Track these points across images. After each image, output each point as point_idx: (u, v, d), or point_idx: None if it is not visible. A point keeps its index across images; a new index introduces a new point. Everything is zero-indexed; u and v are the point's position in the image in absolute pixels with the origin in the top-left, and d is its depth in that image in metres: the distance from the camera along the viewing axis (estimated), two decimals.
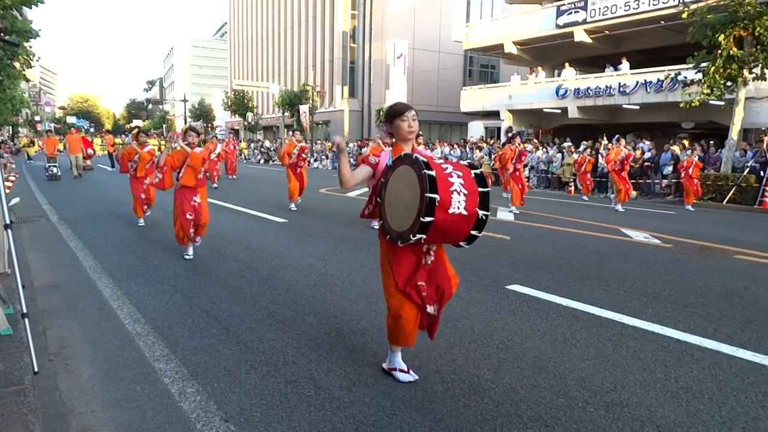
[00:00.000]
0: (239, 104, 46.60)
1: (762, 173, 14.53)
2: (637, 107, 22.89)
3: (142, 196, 9.15)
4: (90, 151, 21.99)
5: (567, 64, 25.67)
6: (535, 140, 24.32)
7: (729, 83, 15.82)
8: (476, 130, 30.00)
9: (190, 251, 6.43)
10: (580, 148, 18.82)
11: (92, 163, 23.85)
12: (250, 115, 45.86)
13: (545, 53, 28.24)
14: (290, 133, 11.76)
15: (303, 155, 11.23)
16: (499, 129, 28.38)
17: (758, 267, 6.52)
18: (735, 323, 4.30)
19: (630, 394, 3.03)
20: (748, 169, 14.93)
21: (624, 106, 23.17)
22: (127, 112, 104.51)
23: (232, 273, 5.70)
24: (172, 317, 4.25)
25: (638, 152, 17.54)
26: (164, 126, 61.05)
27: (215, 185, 15.70)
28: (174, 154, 6.41)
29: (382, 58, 37.76)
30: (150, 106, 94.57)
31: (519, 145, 11.48)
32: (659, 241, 8.21)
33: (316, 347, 3.65)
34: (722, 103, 17.26)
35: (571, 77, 24.91)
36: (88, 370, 3.31)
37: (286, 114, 39.07)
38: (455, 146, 25.05)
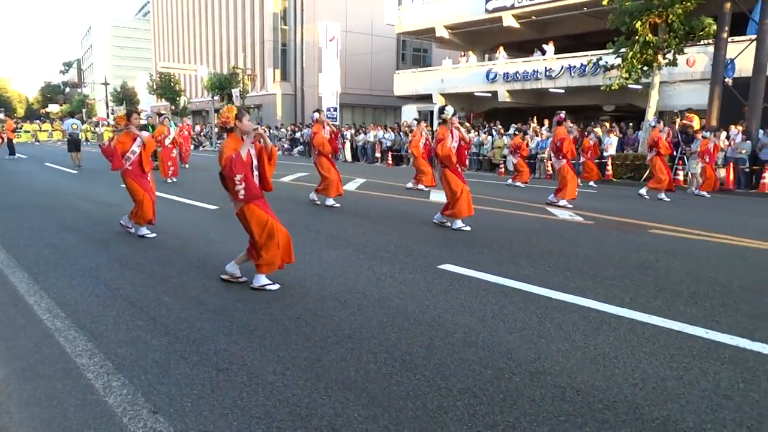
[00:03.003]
0: (165, 88, 44.63)
1: (675, 153, 15.46)
2: (563, 91, 23.78)
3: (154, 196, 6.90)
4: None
5: (501, 48, 26.23)
6: (467, 123, 24.79)
7: (645, 68, 16.71)
8: (409, 113, 30.19)
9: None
10: (510, 131, 19.39)
11: None
12: (183, 99, 43.98)
13: (476, 37, 28.74)
14: (316, 114, 9.79)
15: (338, 139, 9.98)
16: (431, 112, 28.70)
17: (670, 240, 6.98)
18: (648, 293, 4.60)
19: (553, 362, 3.19)
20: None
21: (550, 89, 24.02)
22: (42, 96, 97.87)
23: (161, 262, 5.52)
24: (95, 310, 4.08)
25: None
26: (84, 111, 57.66)
27: (172, 179, 13.28)
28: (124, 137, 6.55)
29: (314, 41, 37.17)
30: (67, 89, 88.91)
31: (571, 126, 10.39)
32: (582, 219, 8.62)
33: (248, 334, 3.62)
34: (639, 86, 18.22)
35: (501, 61, 25.51)
36: (2, 369, 3.13)
37: (216, 98, 37.85)
38: (389, 130, 25.15)
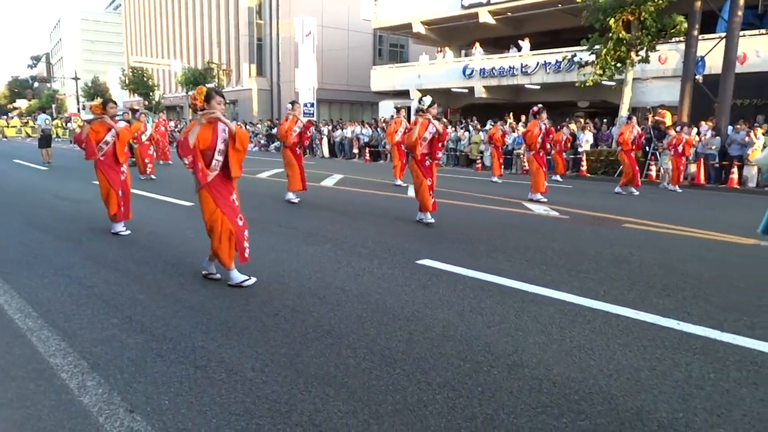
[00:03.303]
0: (138, 83, 43.88)
1: (647, 149, 15.77)
2: (538, 87, 24.01)
3: (120, 192, 6.61)
4: None
5: (477, 44, 26.35)
6: (445, 119, 24.89)
7: (618, 65, 16.98)
8: (387, 109, 30.17)
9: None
10: (487, 126, 19.53)
11: None
12: (158, 94, 43.25)
13: (452, 33, 28.82)
14: (289, 106, 9.67)
15: (308, 133, 9.52)
16: (409, 108, 28.75)
17: (643, 234, 7.12)
18: (622, 285, 4.69)
19: (530, 355, 3.24)
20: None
21: (526, 85, 24.23)
22: (9, 91, 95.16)
23: (135, 260, 5.43)
24: (68, 309, 4.00)
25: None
26: (54, 106, 56.29)
27: (150, 176, 12.84)
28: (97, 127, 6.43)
29: (290, 36, 36.88)
30: (36, 84, 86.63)
31: (544, 121, 10.25)
32: (557, 214, 8.74)
33: (226, 331, 3.59)
34: (613, 83, 18.50)
35: (477, 57, 25.64)
36: None
37: (191, 93, 37.32)
38: (366, 125, 25.12)
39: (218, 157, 4.41)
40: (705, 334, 3.59)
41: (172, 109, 48.72)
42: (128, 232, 6.61)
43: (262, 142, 30.34)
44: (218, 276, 4.71)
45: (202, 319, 3.79)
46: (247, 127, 32.53)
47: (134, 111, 16.68)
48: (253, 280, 4.57)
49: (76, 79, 53.81)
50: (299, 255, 5.66)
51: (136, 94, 46.18)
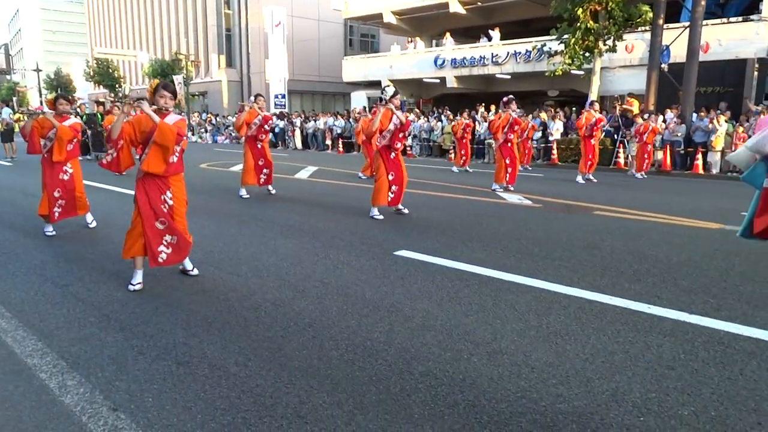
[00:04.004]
0: (104, 75, 42.79)
1: (615, 136, 16.10)
2: (509, 76, 24.22)
3: (56, 193, 6.34)
4: None
5: (448, 34, 26.42)
6: (417, 110, 24.96)
7: (587, 54, 17.24)
8: (359, 100, 30.11)
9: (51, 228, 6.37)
10: (458, 117, 19.63)
11: None
12: (126, 87, 42.21)
13: (423, 23, 28.82)
14: (252, 98, 9.51)
15: (266, 126, 9.27)
16: (381, 99, 28.71)
17: (613, 221, 7.30)
18: (595, 272, 4.82)
19: (508, 342, 3.32)
20: (603, 133, 16.45)
21: (497, 75, 24.42)
22: None
23: (109, 257, 5.35)
24: (43, 309, 3.93)
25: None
26: (14, 99, 54.51)
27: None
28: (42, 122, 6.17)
29: (259, 26, 36.38)
30: None
31: (514, 111, 10.24)
32: (530, 202, 8.89)
33: (207, 326, 3.58)
34: (582, 72, 18.79)
35: (448, 47, 25.72)
36: None
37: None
38: (339, 116, 25.02)
39: (147, 151, 4.29)
40: (674, 316, 3.72)
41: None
42: (53, 232, 6.36)
43: (234, 134, 29.93)
44: (196, 272, 4.69)
45: (181, 316, 3.77)
46: (217, 119, 32.11)
47: (98, 103, 16.28)
48: (139, 286, 4.31)
49: (38, 70, 52.13)
50: (277, 248, 5.65)
51: (101, 86, 45.00)
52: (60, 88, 50.02)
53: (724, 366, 3.00)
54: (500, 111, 10.30)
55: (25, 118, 6.49)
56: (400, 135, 7.31)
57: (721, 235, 6.43)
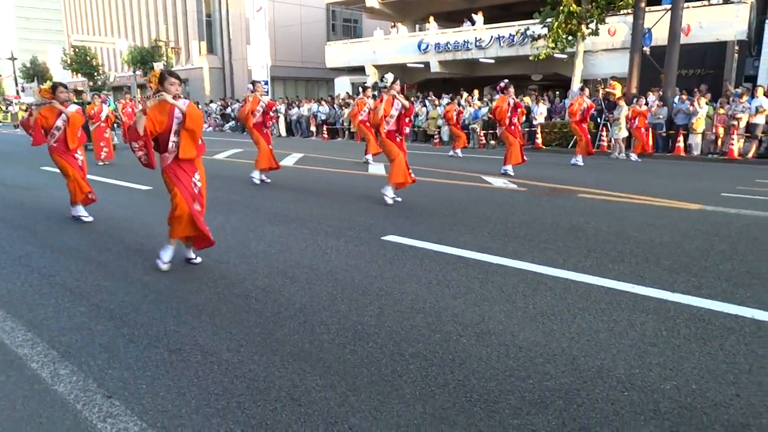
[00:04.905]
0: (81, 63, 41.90)
1: (599, 120, 16.23)
2: (493, 61, 24.22)
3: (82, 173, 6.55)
4: None
5: (432, 18, 26.28)
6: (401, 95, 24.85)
7: (570, 38, 17.30)
8: (343, 86, 29.94)
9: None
10: (444, 101, 19.64)
11: None
12: (113, 74, 41.37)
13: (406, 7, 28.63)
14: (249, 87, 9.63)
15: (271, 113, 9.45)
16: (365, 84, 28.59)
17: (597, 204, 7.41)
18: (579, 253, 4.90)
19: (496, 323, 3.39)
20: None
21: (481, 59, 24.40)
22: None
23: (96, 246, 5.33)
24: (31, 299, 3.92)
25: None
26: None
27: (105, 162, 12.37)
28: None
29: (240, 12, 35.87)
30: None
31: (513, 95, 10.35)
32: (515, 186, 8.97)
33: (198, 314, 3.60)
34: (565, 56, 18.87)
35: (432, 32, 25.61)
36: None
37: (138, 72, 36.00)
38: (323, 103, 24.87)
39: (174, 139, 4.36)
40: (657, 295, 3.82)
41: (119, 90, 46.92)
42: (90, 218, 6.44)
43: (217, 121, 29.66)
44: (198, 260, 4.69)
45: (171, 304, 3.78)
46: (200, 107, 31.74)
47: (77, 92, 16.00)
48: (168, 266, 4.50)
49: (12, 59, 50.93)
50: (265, 235, 5.66)
51: (79, 75, 44.13)
52: (36, 76, 48.93)
53: (705, 342, 3.09)
54: (504, 96, 10.25)
55: (4, 108, 6.41)
56: (406, 120, 7.36)
57: (702, 216, 6.56)
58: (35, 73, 49.37)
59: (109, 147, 12.74)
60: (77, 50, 41.67)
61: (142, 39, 43.46)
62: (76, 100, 14.23)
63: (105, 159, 12.46)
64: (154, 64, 33.19)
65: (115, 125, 15.76)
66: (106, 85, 42.05)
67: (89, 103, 13.51)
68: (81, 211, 6.47)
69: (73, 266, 4.69)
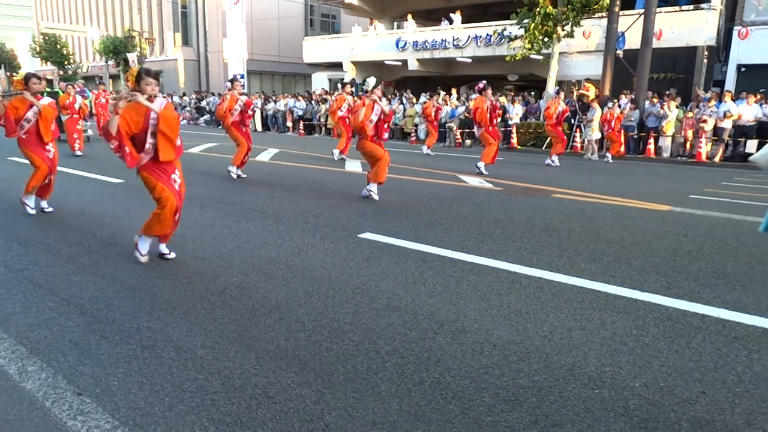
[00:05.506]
0: (51, 51, 40.81)
1: (572, 121, 16.48)
2: (470, 60, 24.38)
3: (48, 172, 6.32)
4: None
5: (410, 16, 26.31)
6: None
7: (546, 39, 17.51)
8: (320, 81, 29.80)
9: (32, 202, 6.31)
10: (422, 100, 19.70)
11: None
12: (84, 65, 40.34)
13: (384, 4, 28.64)
14: (228, 84, 9.58)
15: (249, 111, 9.35)
16: (342, 80, 28.49)
17: (570, 203, 7.53)
18: (553, 253, 4.98)
19: (471, 321, 3.42)
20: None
21: (458, 58, 24.54)
22: None
23: (66, 240, 5.21)
24: None
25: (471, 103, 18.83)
26: None
27: (78, 152, 12.18)
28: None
29: (217, 4, 35.40)
30: None
31: (491, 96, 10.45)
32: (491, 185, 9.06)
33: (171, 310, 3.55)
34: (541, 57, 19.10)
35: (410, 30, 25.65)
36: None
37: (111, 63, 35.24)
38: (300, 98, 24.71)
39: (151, 140, 4.29)
40: (628, 294, 3.90)
41: (90, 80, 45.83)
42: (50, 209, 6.35)
43: (190, 115, 29.22)
44: (172, 255, 4.62)
45: (144, 299, 3.73)
46: (173, 99, 31.23)
47: (47, 81, 15.60)
48: (146, 258, 4.51)
49: None
50: (240, 231, 5.61)
51: (49, 63, 42.97)
52: (3, 64, 47.49)
53: (673, 340, 3.18)
54: (482, 97, 10.31)
55: None
56: (385, 125, 7.38)
57: (671, 217, 6.73)
58: (2, 60, 47.92)
59: (81, 138, 12.45)
60: (47, 38, 40.57)
61: (115, 28, 42.52)
62: (48, 90, 13.88)
63: (78, 150, 12.21)
64: (127, 54, 32.53)
65: (87, 117, 15.39)
66: (77, 74, 41.02)
67: (63, 93, 13.17)
68: (31, 201, 6.28)
69: (42, 260, 4.58)
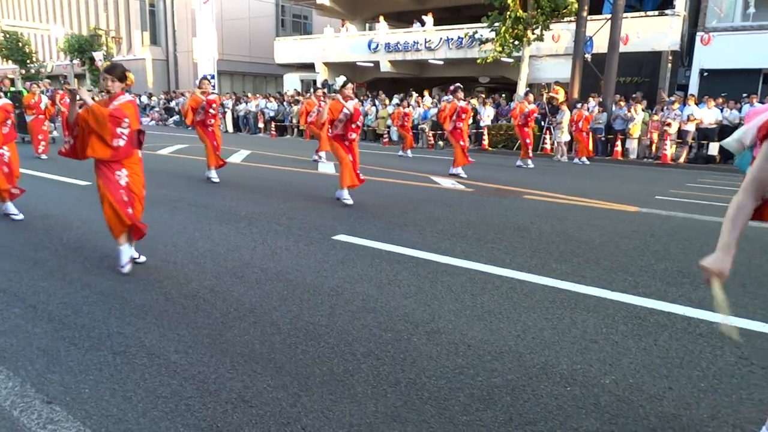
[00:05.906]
0: (13, 49, 39.60)
1: (543, 123, 16.75)
2: (441, 62, 24.55)
3: (5, 169, 6.12)
4: None
5: (382, 18, 26.35)
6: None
7: (516, 42, 17.76)
8: (292, 82, 29.62)
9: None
10: (394, 101, 19.76)
11: None
12: (50, 64, 39.22)
13: (357, 6, 28.62)
14: (196, 83, 9.49)
15: (210, 110, 8.88)
16: (315, 82, 28.38)
17: (541, 205, 7.65)
18: (525, 253, 5.06)
19: (446, 322, 3.46)
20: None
21: (430, 60, 24.68)
22: None
23: (31, 244, 5.08)
24: None
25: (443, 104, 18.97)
26: None
27: (41, 155, 11.67)
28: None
29: (186, 3, 34.87)
30: None
31: (461, 99, 10.47)
32: (463, 187, 9.15)
33: (143, 315, 3.49)
34: (511, 60, 19.35)
35: (382, 31, 25.70)
36: None
37: (76, 62, 34.39)
38: (271, 99, 24.52)
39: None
40: (597, 294, 3.99)
41: (55, 79, 44.62)
42: (21, 216, 6.11)
43: (159, 116, 28.73)
44: (143, 259, 4.53)
45: (114, 305, 3.66)
46: (141, 99, 30.66)
47: (9, 81, 15.13)
48: (129, 267, 4.31)
49: None
50: (213, 234, 5.55)
51: (10, 62, 41.70)
52: None
53: (641, 338, 3.27)
54: (446, 100, 10.47)
55: None
56: (353, 126, 7.22)
57: (638, 217, 6.90)
58: None
59: (45, 140, 12.06)
60: (8, 36, 39.34)
61: (80, 27, 41.48)
62: (11, 89, 13.45)
63: (42, 152, 11.79)
64: (93, 53, 31.81)
65: (54, 117, 14.99)
66: (40, 73, 39.89)
67: (28, 92, 12.79)
68: (10, 208, 6.10)
69: (6, 266, 4.46)
